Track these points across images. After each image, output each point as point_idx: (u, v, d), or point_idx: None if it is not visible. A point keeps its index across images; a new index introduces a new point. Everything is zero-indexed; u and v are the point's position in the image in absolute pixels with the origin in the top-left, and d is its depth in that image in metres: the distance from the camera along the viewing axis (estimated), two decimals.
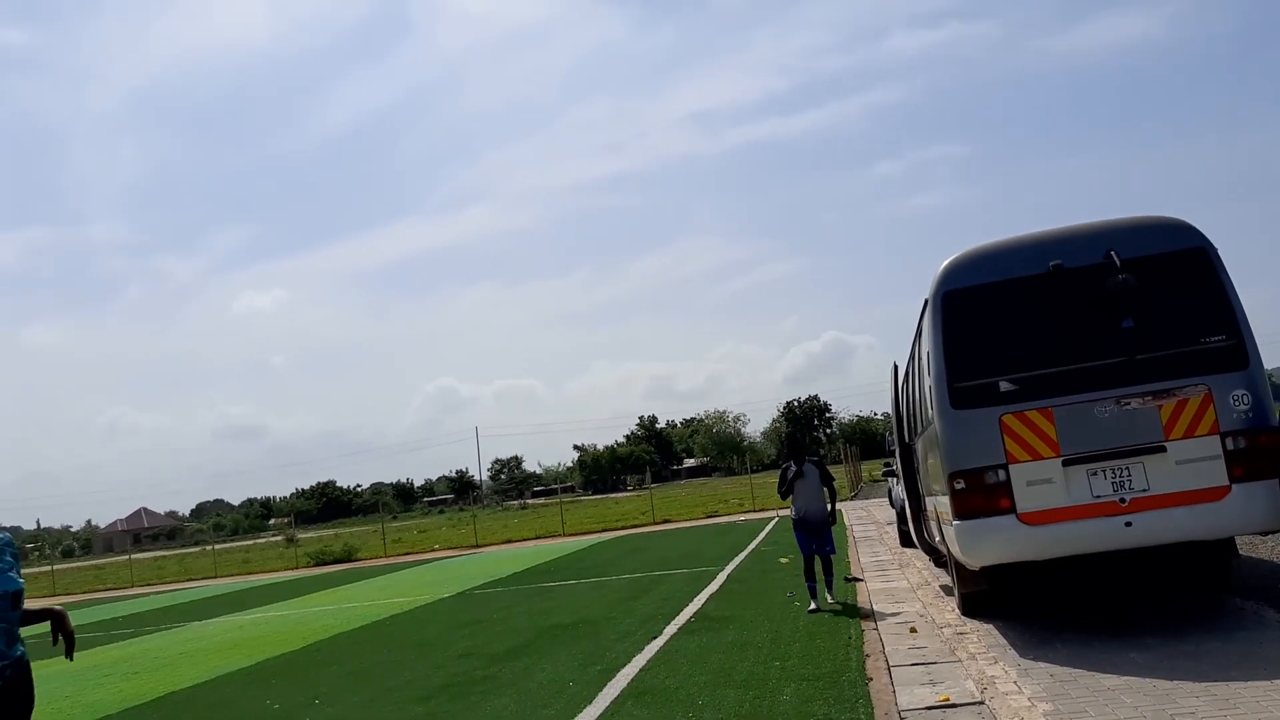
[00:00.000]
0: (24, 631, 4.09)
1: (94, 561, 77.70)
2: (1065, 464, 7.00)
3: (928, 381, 7.87)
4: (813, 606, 9.87)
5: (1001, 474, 7.11)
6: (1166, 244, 7.34)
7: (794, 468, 10.27)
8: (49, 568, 53.25)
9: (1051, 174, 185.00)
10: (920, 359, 8.70)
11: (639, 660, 8.38)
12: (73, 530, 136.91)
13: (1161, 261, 7.26)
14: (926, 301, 7.95)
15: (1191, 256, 7.27)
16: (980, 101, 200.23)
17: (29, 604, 4.17)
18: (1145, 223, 7.50)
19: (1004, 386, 7.26)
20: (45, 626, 4.26)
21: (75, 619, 4.22)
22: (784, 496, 10.36)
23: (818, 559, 10.15)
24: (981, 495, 7.15)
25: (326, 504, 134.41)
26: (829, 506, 10.18)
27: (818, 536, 10.13)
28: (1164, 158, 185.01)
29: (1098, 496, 6.95)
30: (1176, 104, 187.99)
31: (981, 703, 5.71)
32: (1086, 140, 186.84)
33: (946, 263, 7.75)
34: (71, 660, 4.43)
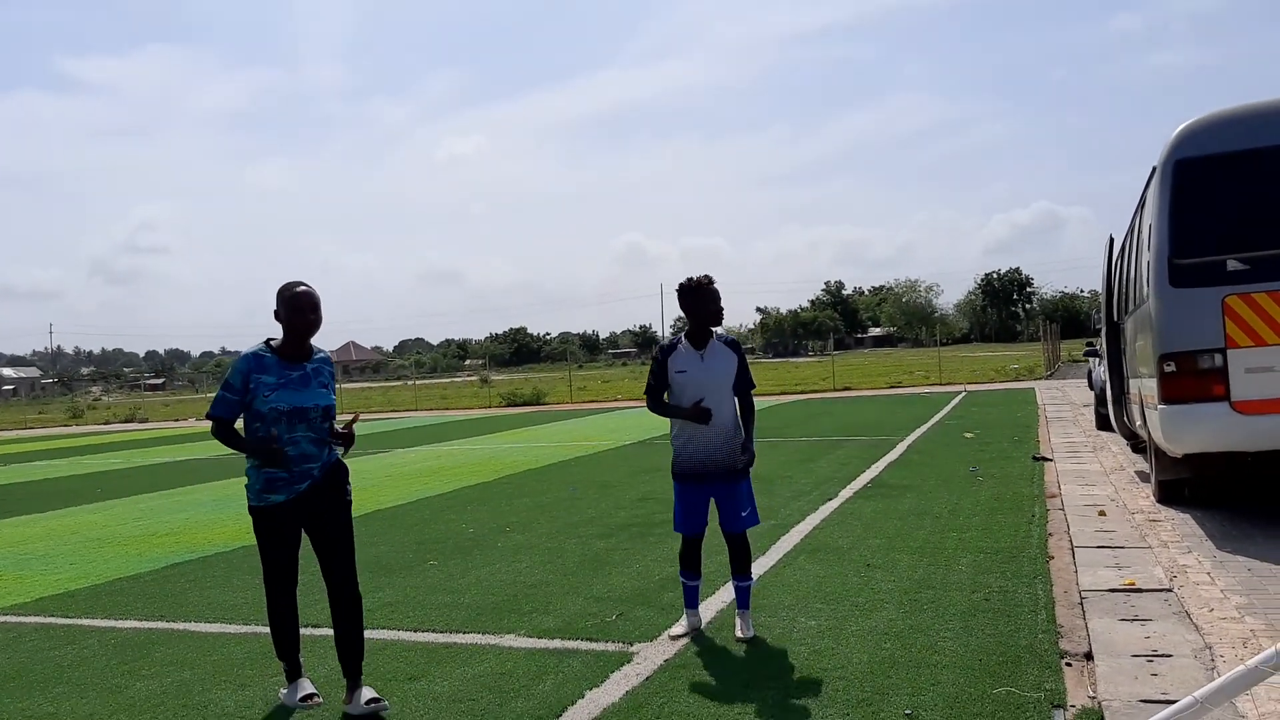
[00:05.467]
0: None
1: None
2: None
3: (1146, 257, 7.37)
4: (679, 629, 5.22)
5: (1218, 358, 6.66)
6: None
7: (682, 349, 5.13)
8: None
9: None
10: (1140, 232, 8.12)
11: (812, 519, 8.49)
12: None
13: None
14: (1154, 169, 7.36)
15: None
16: None
17: None
18: None
19: (1232, 265, 6.72)
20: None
21: None
22: (655, 408, 5.21)
23: (725, 541, 5.29)
24: (1193, 379, 6.74)
25: (518, 349, 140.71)
26: (742, 430, 5.12)
27: (717, 493, 5.14)
28: None
29: None
30: None
31: (1169, 590, 5.51)
32: None
33: (1182, 127, 7.10)
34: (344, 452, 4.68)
